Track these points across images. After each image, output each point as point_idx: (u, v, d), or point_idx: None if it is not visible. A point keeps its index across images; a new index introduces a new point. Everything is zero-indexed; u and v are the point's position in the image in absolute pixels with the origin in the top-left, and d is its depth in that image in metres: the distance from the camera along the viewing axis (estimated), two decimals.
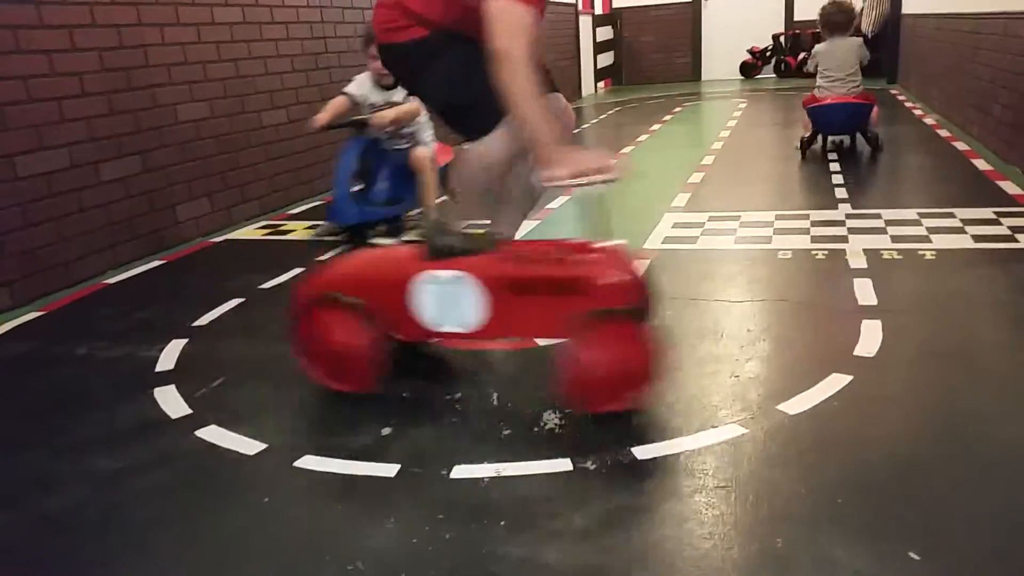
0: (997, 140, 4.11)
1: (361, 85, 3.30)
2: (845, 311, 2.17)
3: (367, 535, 1.35)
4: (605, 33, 10.30)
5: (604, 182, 1.64)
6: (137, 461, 1.65)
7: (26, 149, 2.80)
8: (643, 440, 1.58)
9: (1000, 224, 2.86)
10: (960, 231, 2.81)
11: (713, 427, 1.61)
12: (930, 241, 2.73)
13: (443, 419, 1.74)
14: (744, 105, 7.30)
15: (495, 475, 1.50)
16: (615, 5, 10.56)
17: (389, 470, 1.55)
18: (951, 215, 3.01)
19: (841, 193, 3.53)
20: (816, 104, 4.43)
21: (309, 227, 3.60)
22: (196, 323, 2.44)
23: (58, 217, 2.93)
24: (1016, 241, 2.66)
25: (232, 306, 2.58)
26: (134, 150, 3.26)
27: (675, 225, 3.21)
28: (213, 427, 1.77)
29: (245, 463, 1.62)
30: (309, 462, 1.60)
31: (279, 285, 2.79)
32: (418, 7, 1.85)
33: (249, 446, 1.68)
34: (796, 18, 9.69)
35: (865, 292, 2.28)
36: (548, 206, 3.60)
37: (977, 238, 2.72)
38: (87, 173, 3.04)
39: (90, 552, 1.38)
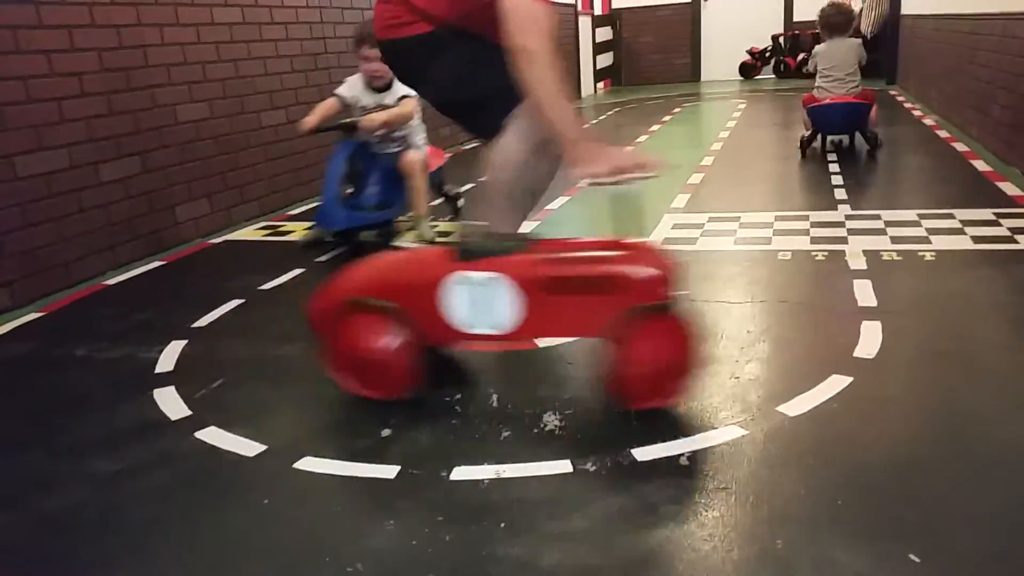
0: (996, 141, 4.11)
1: (352, 87, 3.25)
2: (845, 312, 2.17)
3: (367, 536, 1.35)
4: (604, 34, 10.30)
5: (641, 178, 1.64)
6: (137, 462, 1.65)
7: (26, 149, 2.80)
8: (643, 442, 1.58)
9: (1000, 225, 2.86)
10: (960, 232, 2.81)
11: (713, 428, 1.61)
12: (930, 242, 2.73)
13: (443, 420, 1.74)
14: (743, 106, 7.30)
15: (495, 476, 1.50)
16: (614, 6, 10.57)
17: (389, 471, 1.54)
18: (951, 216, 3.02)
19: (841, 194, 3.53)
20: (816, 104, 4.45)
21: (307, 228, 3.59)
22: (196, 324, 2.44)
23: (58, 218, 2.93)
24: (1016, 242, 2.66)
25: (232, 307, 2.58)
26: (134, 151, 3.25)
27: (675, 226, 3.21)
28: (213, 428, 1.77)
29: (245, 464, 1.62)
30: (309, 463, 1.60)
31: (279, 286, 2.79)
32: (422, 3, 1.84)
33: (249, 447, 1.68)
34: (795, 19, 9.70)
35: (865, 293, 2.29)
36: (547, 207, 3.60)
37: (977, 239, 2.72)
38: (87, 174, 3.04)
39: (89, 552, 1.38)
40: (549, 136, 1.80)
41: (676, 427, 1.63)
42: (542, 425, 1.68)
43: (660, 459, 1.52)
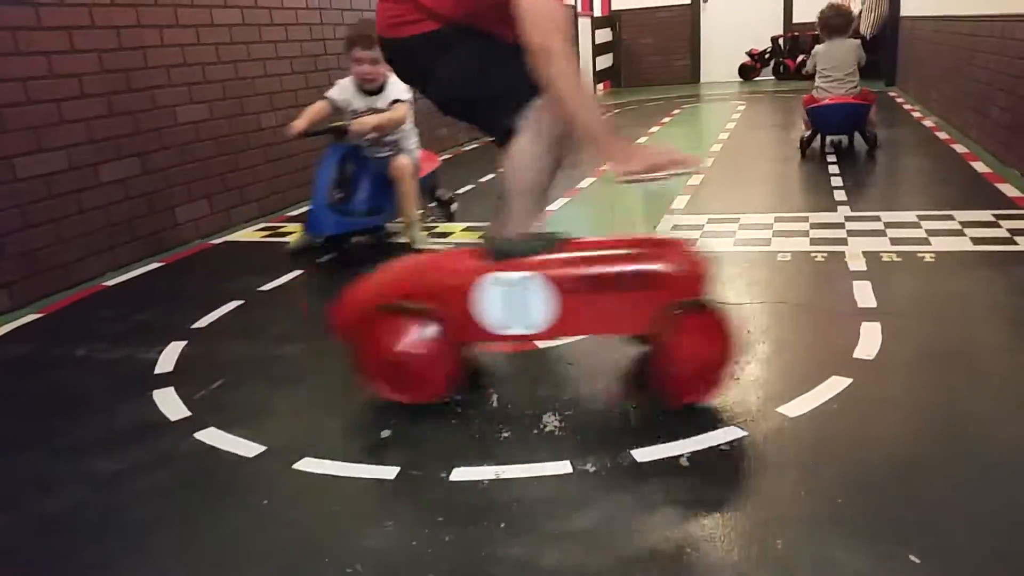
0: (995, 142, 4.11)
1: (344, 90, 3.17)
2: (844, 313, 2.17)
3: (366, 537, 1.35)
4: (604, 35, 10.31)
5: (677, 174, 1.64)
6: (136, 463, 1.65)
7: (25, 151, 2.80)
8: (642, 442, 1.58)
9: (999, 227, 2.86)
10: (959, 233, 2.82)
11: (713, 429, 1.61)
12: (929, 243, 2.73)
13: (442, 421, 1.74)
14: (743, 107, 7.30)
15: (494, 477, 1.50)
16: (614, 7, 10.57)
17: (388, 472, 1.54)
18: (950, 217, 3.02)
19: (840, 195, 3.53)
20: (815, 104, 4.46)
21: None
22: (195, 325, 2.43)
23: (57, 219, 2.93)
24: (1015, 244, 2.66)
25: (231, 308, 2.58)
26: (133, 152, 3.26)
27: (674, 227, 3.21)
28: (212, 429, 1.77)
29: (244, 465, 1.62)
30: (308, 464, 1.60)
31: (278, 287, 2.79)
32: (429, 1, 1.82)
33: (248, 448, 1.68)
34: (795, 20, 9.71)
35: (864, 294, 2.29)
36: (547, 207, 3.60)
37: (976, 240, 2.72)
38: (86, 175, 3.04)
39: (89, 553, 1.37)
40: (561, 134, 1.80)
41: (676, 428, 1.63)
42: (542, 426, 1.68)
43: (660, 460, 1.52)
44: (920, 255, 2.62)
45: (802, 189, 3.93)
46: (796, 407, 1.67)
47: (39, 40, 2.85)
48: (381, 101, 3.12)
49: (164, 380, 2.05)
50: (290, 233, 3.60)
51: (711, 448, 1.55)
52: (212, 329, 2.41)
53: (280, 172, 4.14)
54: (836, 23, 4.51)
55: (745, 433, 1.59)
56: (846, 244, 2.79)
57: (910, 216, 3.09)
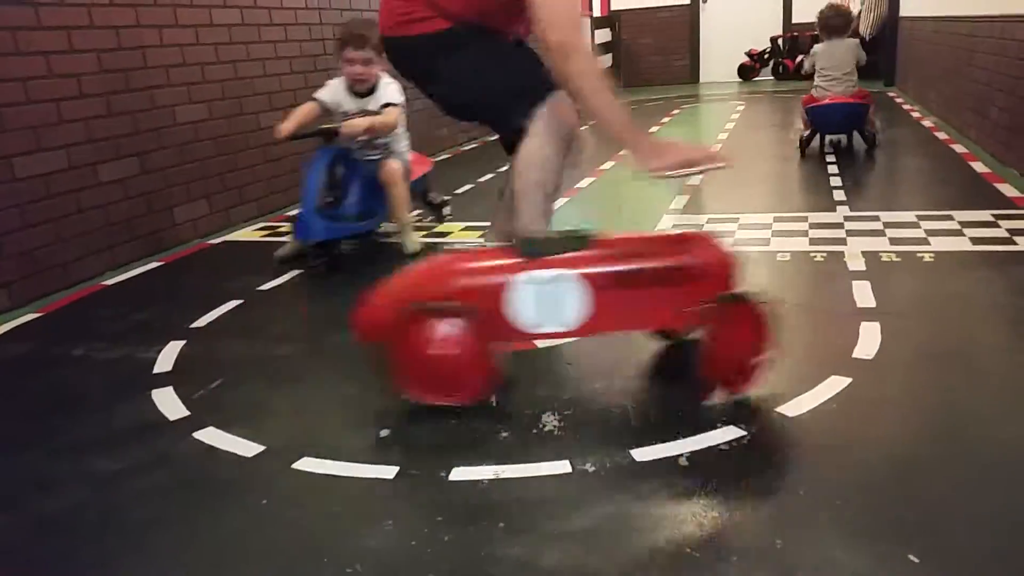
0: (994, 143, 4.11)
1: (334, 91, 3.07)
2: (844, 313, 2.17)
3: (365, 537, 1.35)
4: (603, 35, 10.31)
5: (710, 170, 1.64)
6: (135, 462, 1.65)
7: (24, 150, 2.80)
8: (642, 442, 1.58)
9: (998, 227, 2.86)
10: (958, 233, 2.82)
11: (712, 429, 1.61)
12: (928, 243, 2.73)
13: (441, 421, 1.73)
14: (742, 107, 7.30)
15: (494, 477, 1.50)
16: (613, 7, 10.57)
17: (388, 472, 1.54)
18: (949, 217, 3.02)
19: (839, 195, 3.53)
20: (815, 104, 4.47)
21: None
22: (194, 325, 2.43)
23: (56, 218, 2.93)
24: (1014, 244, 2.66)
25: (230, 308, 2.58)
26: (132, 151, 3.25)
27: (674, 227, 3.21)
28: (211, 429, 1.77)
29: (243, 465, 1.62)
30: (307, 464, 1.59)
31: (277, 287, 2.79)
32: None
33: (247, 448, 1.68)
34: (794, 21, 9.71)
35: (864, 294, 2.29)
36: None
37: (975, 240, 2.72)
38: (85, 174, 3.04)
39: (89, 553, 1.37)
40: (570, 134, 1.79)
41: (675, 427, 1.63)
42: (541, 425, 1.68)
43: (659, 459, 1.52)
44: (919, 255, 2.62)
45: (801, 189, 3.93)
46: (795, 407, 1.67)
47: (38, 40, 2.85)
48: (372, 103, 3.03)
49: (163, 380, 2.05)
50: (289, 233, 3.60)
51: (710, 448, 1.55)
52: (211, 329, 2.41)
53: (279, 172, 4.13)
54: (835, 23, 4.52)
55: (744, 433, 1.59)
56: (845, 244, 2.79)
57: (909, 216, 3.09)
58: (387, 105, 3.01)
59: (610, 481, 1.46)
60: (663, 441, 1.58)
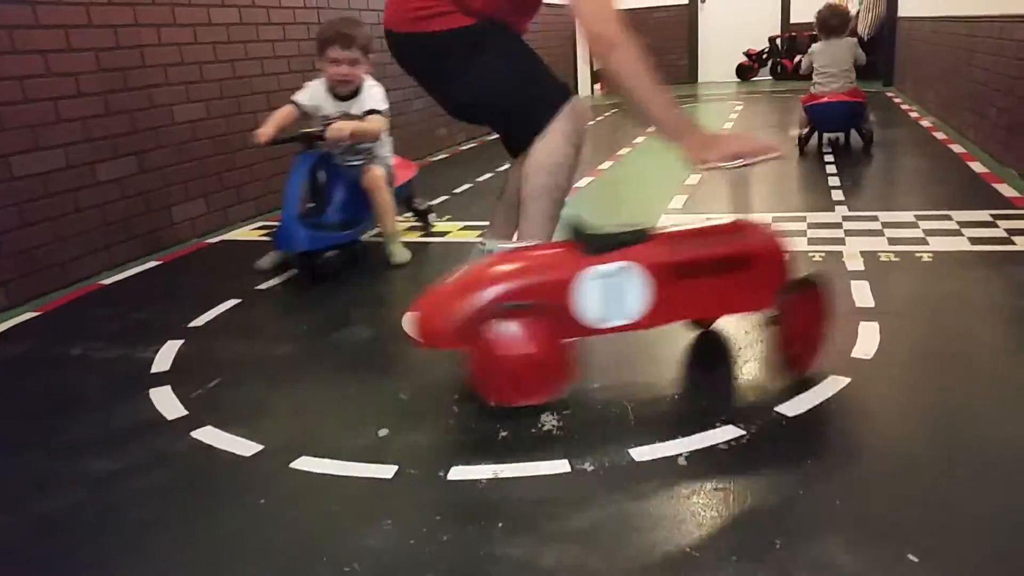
0: (993, 143, 4.12)
1: (314, 94, 2.93)
2: (842, 313, 2.16)
3: (364, 536, 1.35)
4: None
5: (761, 161, 1.66)
6: (133, 462, 1.65)
7: (22, 149, 2.80)
8: (641, 442, 1.58)
9: (997, 227, 2.86)
10: (957, 233, 2.82)
11: (711, 428, 1.61)
12: (927, 243, 2.73)
13: (440, 420, 1.73)
14: (740, 107, 7.31)
15: (492, 476, 1.50)
16: None
17: (386, 471, 1.54)
18: (948, 217, 3.02)
19: (838, 195, 3.54)
20: (814, 102, 4.48)
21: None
22: (192, 324, 2.43)
23: (54, 217, 2.92)
24: (1012, 243, 2.66)
25: (228, 307, 2.58)
26: (130, 151, 3.25)
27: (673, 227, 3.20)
28: (209, 428, 1.76)
29: (241, 464, 1.62)
30: (306, 463, 1.59)
31: (275, 286, 2.78)
32: None
33: (245, 447, 1.67)
34: (792, 21, 9.72)
35: (862, 294, 2.29)
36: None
37: (974, 240, 2.72)
38: (83, 173, 3.04)
39: (87, 552, 1.37)
40: (584, 138, 1.77)
41: (674, 427, 1.63)
42: (540, 425, 1.68)
43: (658, 459, 1.52)
44: (918, 255, 2.62)
45: (800, 189, 3.93)
46: (794, 406, 1.67)
47: (36, 38, 2.84)
48: (355, 107, 2.91)
49: (161, 379, 2.04)
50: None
51: (709, 447, 1.55)
52: (209, 328, 2.41)
53: (277, 171, 4.12)
54: (833, 24, 4.53)
55: (744, 432, 1.59)
56: (844, 244, 2.79)
57: (908, 216, 3.09)
58: (372, 112, 2.89)
59: (609, 481, 1.46)
60: (662, 441, 1.57)
